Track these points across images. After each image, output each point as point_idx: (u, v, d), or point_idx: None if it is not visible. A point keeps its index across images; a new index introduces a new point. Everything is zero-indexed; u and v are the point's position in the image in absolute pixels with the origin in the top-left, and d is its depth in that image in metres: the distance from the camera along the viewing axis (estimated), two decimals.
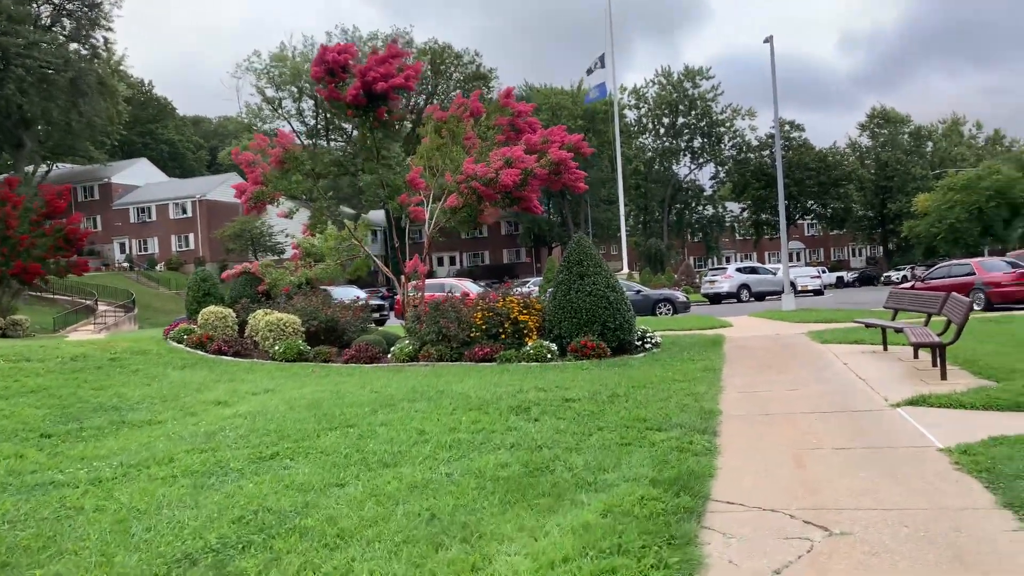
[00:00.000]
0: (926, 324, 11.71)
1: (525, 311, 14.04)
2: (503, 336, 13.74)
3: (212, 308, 15.50)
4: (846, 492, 4.95)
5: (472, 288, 26.97)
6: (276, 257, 49.11)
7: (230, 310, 15.75)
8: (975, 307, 22.70)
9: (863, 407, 7.85)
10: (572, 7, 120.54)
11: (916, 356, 11.12)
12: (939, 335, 10.06)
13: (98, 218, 71.19)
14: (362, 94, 13.80)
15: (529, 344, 13.27)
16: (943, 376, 9.10)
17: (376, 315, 30.34)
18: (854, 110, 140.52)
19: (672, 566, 3.75)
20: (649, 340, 14.26)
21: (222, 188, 62.97)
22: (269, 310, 15.54)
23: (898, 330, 11.34)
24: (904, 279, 56.91)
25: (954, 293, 10.93)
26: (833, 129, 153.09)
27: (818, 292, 42.78)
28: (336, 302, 17.04)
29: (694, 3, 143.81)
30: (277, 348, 14.37)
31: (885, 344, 12.52)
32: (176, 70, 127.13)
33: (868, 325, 13.01)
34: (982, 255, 47.10)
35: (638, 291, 28.29)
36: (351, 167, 15.96)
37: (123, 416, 9.14)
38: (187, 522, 4.80)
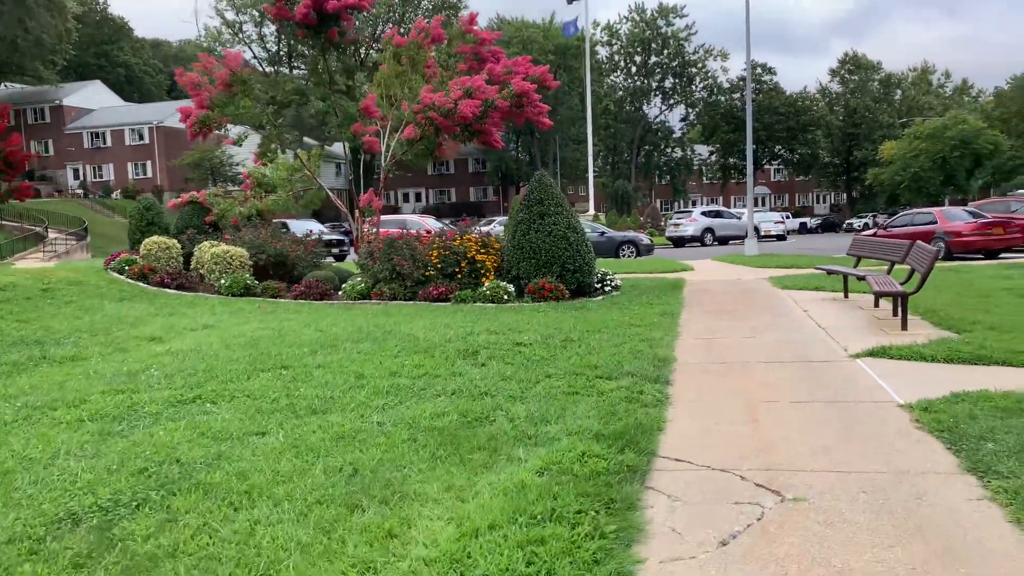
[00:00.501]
0: (889, 272, 11.48)
1: (483, 250, 13.57)
2: (459, 276, 13.28)
3: (155, 238, 14.75)
4: (802, 451, 4.64)
5: (434, 225, 26.39)
6: (235, 188, 47.71)
7: (175, 241, 15.02)
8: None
9: (822, 357, 7.58)
10: None
11: (877, 305, 10.92)
12: (902, 284, 9.82)
13: (50, 142, 68.46)
14: (312, 13, 12.92)
15: (486, 284, 12.84)
16: (904, 326, 8.87)
17: (335, 251, 29.64)
18: (826, 56, 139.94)
19: (608, 535, 3.39)
20: (609, 283, 13.91)
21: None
22: (216, 242, 14.85)
23: (860, 278, 11.10)
24: (866, 227, 57.34)
25: (919, 241, 10.68)
26: (804, 75, 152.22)
27: (781, 237, 42.86)
28: (288, 235, 16.38)
29: None
30: (223, 282, 13.76)
31: (846, 292, 12.31)
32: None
33: (830, 272, 12.78)
34: (943, 204, 47.50)
35: (602, 232, 27.91)
36: (315, 95, 15.09)
37: (45, 351, 8.56)
38: (81, 474, 4.34)
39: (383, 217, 33.76)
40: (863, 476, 4.17)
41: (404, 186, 77.43)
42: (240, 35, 62.46)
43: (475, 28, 16.34)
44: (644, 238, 29.06)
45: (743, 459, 4.51)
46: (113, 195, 62.05)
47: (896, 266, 11.57)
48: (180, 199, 16.46)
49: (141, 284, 14.09)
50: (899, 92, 78.83)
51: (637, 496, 3.91)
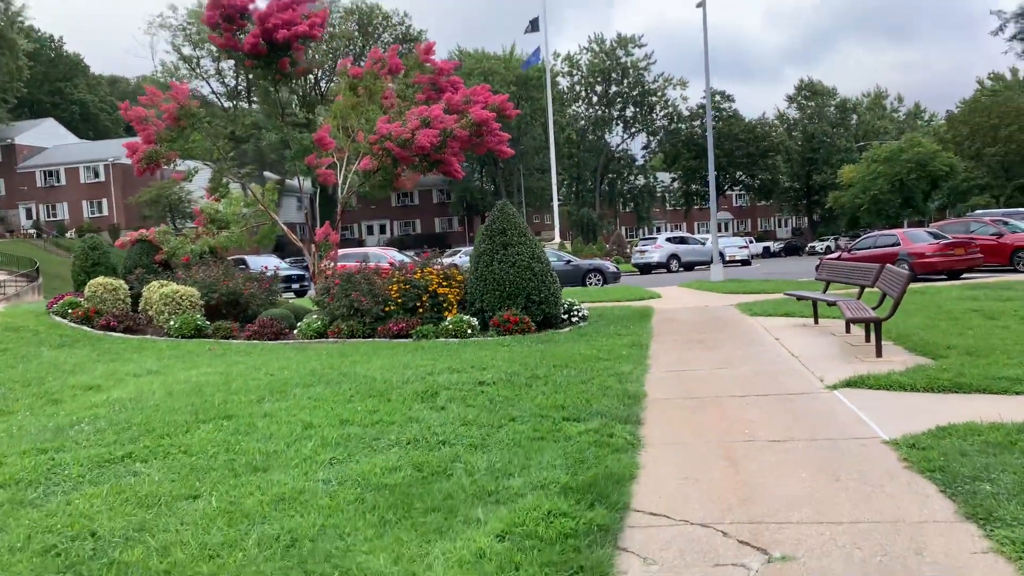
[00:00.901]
0: (859, 297, 11.28)
1: (445, 283, 13.15)
2: (421, 311, 12.83)
3: (101, 279, 14.09)
4: (785, 499, 4.26)
5: (397, 258, 25.90)
6: (191, 225, 46.76)
7: (121, 281, 14.36)
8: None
9: (798, 389, 7.25)
10: None
11: (848, 331, 10.69)
12: (874, 309, 9.59)
13: (1, 182, 66.88)
14: (262, 43, 12.51)
15: (449, 319, 12.40)
16: (879, 353, 8.61)
17: (295, 286, 28.97)
18: (780, 83, 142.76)
19: None
20: (576, 313, 13.57)
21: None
22: (166, 281, 14.23)
23: (831, 303, 10.88)
24: (828, 250, 57.99)
25: (889, 265, 10.49)
26: (760, 102, 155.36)
27: (745, 262, 43.06)
28: (243, 272, 15.80)
29: None
30: (172, 323, 13.14)
31: (816, 317, 12.09)
32: (90, 25, 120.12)
33: (800, 298, 12.57)
34: (902, 226, 48.22)
35: (568, 261, 27.66)
36: (268, 127, 14.62)
37: None
38: None
39: (345, 251, 33.28)
40: (856, 528, 3.80)
41: (368, 218, 76.83)
42: (197, 70, 61.82)
43: (432, 58, 16.07)
44: (610, 266, 28.87)
45: (724, 511, 4.12)
46: (68, 234, 60.53)
47: (866, 289, 11.39)
48: (128, 237, 15.82)
49: (85, 328, 13.41)
50: (855, 117, 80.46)
51: (609, 561, 3.49)
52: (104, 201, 64.03)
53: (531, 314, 12.56)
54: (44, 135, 68.17)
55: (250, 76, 63.67)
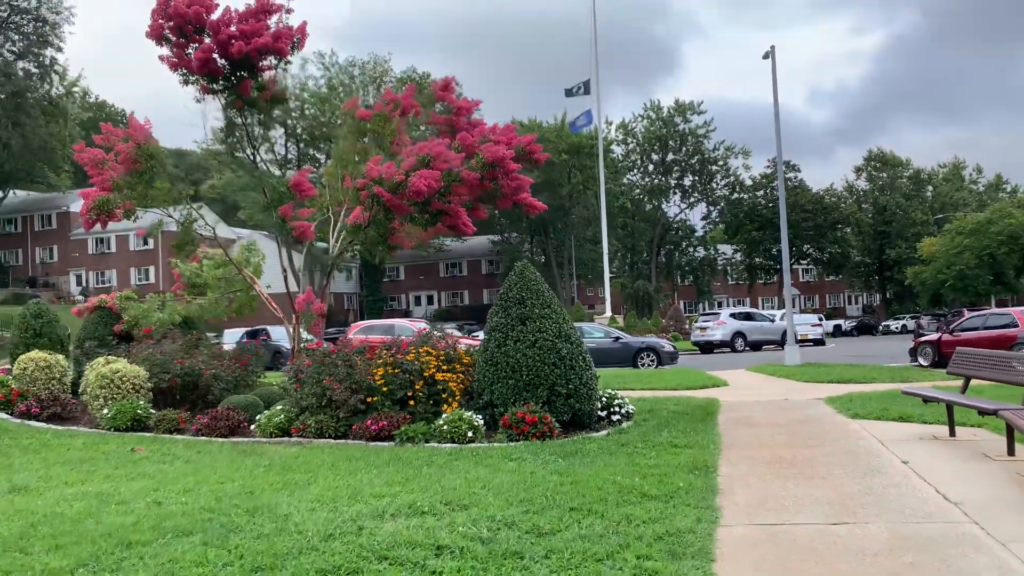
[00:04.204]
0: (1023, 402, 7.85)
1: (446, 367, 10.15)
2: (412, 402, 9.82)
3: (34, 354, 11.53)
4: None
5: (431, 330, 23.07)
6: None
7: (59, 357, 11.77)
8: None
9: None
10: (557, 55, 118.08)
11: (1012, 452, 7.30)
12: None
13: (55, 248, 67.38)
14: (220, 60, 10.04)
15: (446, 415, 9.36)
16: None
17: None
18: (831, 162, 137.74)
19: None
20: (617, 410, 10.40)
21: (196, 222, 58.71)
22: (114, 358, 11.56)
23: (990, 412, 7.50)
24: (905, 329, 53.27)
25: None
26: (811, 179, 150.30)
27: (819, 342, 38.89)
28: (215, 346, 13.13)
29: (667, 55, 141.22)
30: (106, 412, 10.40)
31: (952, 428, 8.67)
32: (161, 101, 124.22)
33: (927, 399, 9.13)
34: (990, 304, 43.64)
35: (617, 338, 24.42)
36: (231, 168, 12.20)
37: None
38: None
39: (370, 322, 30.64)
40: None
41: (415, 288, 74.98)
42: (272, 143, 61.42)
43: (452, 96, 13.50)
44: (666, 344, 25.49)
45: None
46: None
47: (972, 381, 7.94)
48: (87, 304, 13.35)
49: (3, 415, 10.77)
50: (931, 188, 75.93)
51: None
52: (151, 268, 63.52)
53: (555, 411, 9.43)
54: None
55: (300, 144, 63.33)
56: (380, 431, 9.28)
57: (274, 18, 10.17)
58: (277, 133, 63.69)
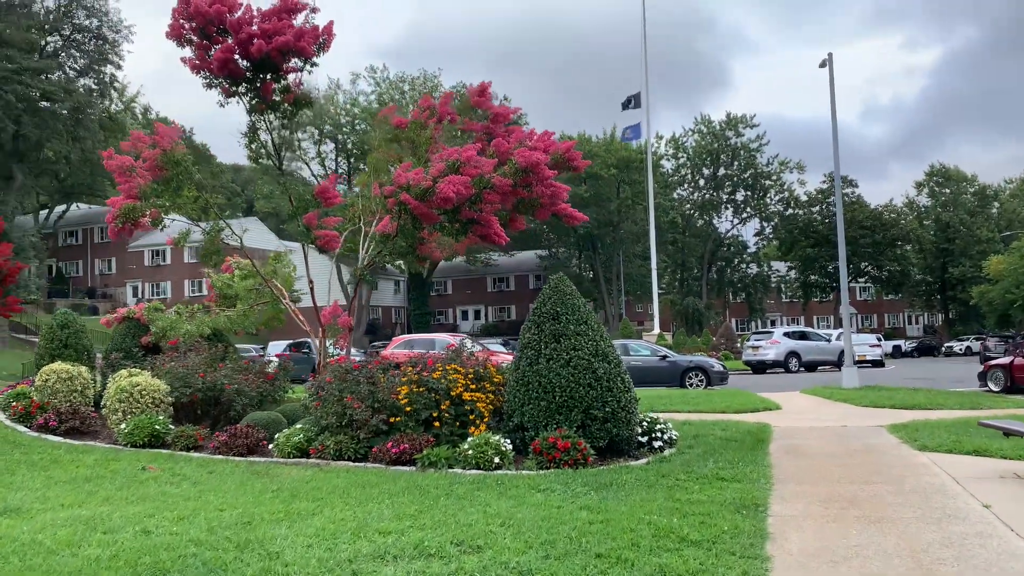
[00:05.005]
0: None
1: (475, 386, 9.51)
2: (438, 424, 9.20)
3: (56, 365, 11.24)
4: None
5: (469, 345, 22.50)
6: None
7: (82, 368, 11.47)
8: None
9: None
10: (605, 74, 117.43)
11: None
12: None
13: (113, 260, 68.98)
14: (242, 60, 9.65)
15: (471, 438, 8.72)
16: None
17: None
18: (886, 178, 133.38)
19: None
20: (659, 435, 9.62)
21: (247, 233, 59.54)
22: (136, 370, 11.22)
23: None
24: (969, 350, 50.71)
25: None
26: (866, 196, 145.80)
27: (877, 363, 37.13)
28: (248, 358, 12.76)
29: (715, 70, 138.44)
30: (123, 427, 10.01)
31: None
32: (221, 117, 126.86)
33: (1008, 432, 8.15)
34: None
35: (664, 356, 23.49)
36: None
37: None
38: None
39: (411, 336, 30.24)
40: None
41: (463, 303, 74.68)
42: (298, 151, 62.05)
43: (489, 102, 12.97)
44: (716, 363, 24.43)
45: None
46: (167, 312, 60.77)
47: None
48: (115, 314, 13.10)
49: (20, 427, 10.48)
50: (996, 205, 72.80)
51: None
52: (204, 280, 64.44)
53: (591, 436, 8.71)
54: None
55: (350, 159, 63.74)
56: (401, 454, 8.67)
57: (300, 18, 9.81)
58: (328, 148, 64.60)
